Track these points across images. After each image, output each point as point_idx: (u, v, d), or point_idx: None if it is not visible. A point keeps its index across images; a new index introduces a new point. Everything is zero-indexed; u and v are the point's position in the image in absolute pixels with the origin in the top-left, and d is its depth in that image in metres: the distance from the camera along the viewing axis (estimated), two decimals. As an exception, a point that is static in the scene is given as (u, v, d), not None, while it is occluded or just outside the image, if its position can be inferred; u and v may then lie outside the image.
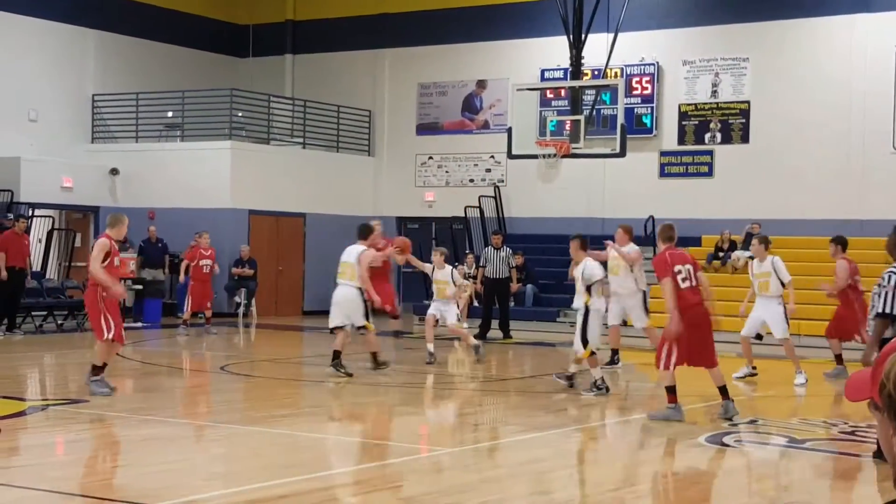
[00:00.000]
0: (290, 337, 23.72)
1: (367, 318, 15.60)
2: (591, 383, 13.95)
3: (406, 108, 30.07)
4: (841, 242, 16.55)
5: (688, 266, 11.83)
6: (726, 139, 26.08)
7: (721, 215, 25.22)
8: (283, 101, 29.61)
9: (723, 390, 11.97)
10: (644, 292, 16.94)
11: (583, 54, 23.14)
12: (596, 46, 24.23)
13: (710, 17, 26.24)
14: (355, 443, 11.11)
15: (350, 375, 15.16)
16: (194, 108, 28.22)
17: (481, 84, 29.07)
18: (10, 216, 22.79)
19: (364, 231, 15.99)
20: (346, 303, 15.43)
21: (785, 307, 15.71)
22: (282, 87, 31.03)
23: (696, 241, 25.26)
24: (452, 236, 26.22)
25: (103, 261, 12.90)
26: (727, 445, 10.76)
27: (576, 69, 23.14)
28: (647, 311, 16.80)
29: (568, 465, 10.15)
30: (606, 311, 14.91)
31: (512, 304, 22.69)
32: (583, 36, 23.01)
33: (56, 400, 13.28)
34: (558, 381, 14.37)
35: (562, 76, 26.35)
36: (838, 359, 16.37)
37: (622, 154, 21.75)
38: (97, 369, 13.04)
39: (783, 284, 15.64)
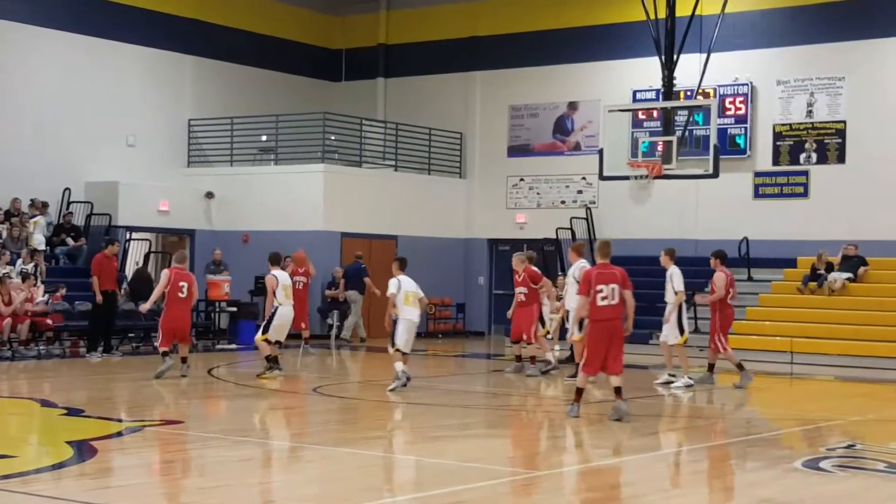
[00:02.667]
0: (381, 359, 23.80)
1: None
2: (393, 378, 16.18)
3: (497, 130, 30.12)
4: (720, 256, 18.02)
5: (612, 286, 13.13)
6: (822, 159, 25.72)
7: (817, 237, 24.84)
8: (376, 124, 29.83)
9: (618, 390, 13.40)
10: None
11: (675, 75, 23.00)
12: (688, 67, 24.08)
13: (804, 37, 25.93)
14: (448, 465, 11.11)
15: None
16: (288, 132, 28.56)
17: (573, 105, 29.03)
18: (108, 238, 23.18)
19: (274, 258, 18.59)
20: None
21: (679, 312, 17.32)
22: (374, 110, 31.27)
23: (792, 263, 24.92)
24: (544, 258, 26.12)
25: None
26: (824, 470, 10.58)
27: (668, 90, 23.00)
28: (580, 328, 17.46)
29: (660, 489, 10.05)
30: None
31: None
32: (675, 56, 22.88)
33: (152, 421, 13.48)
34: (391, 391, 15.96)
35: (654, 97, 26.22)
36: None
37: (715, 175, 21.61)
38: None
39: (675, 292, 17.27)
